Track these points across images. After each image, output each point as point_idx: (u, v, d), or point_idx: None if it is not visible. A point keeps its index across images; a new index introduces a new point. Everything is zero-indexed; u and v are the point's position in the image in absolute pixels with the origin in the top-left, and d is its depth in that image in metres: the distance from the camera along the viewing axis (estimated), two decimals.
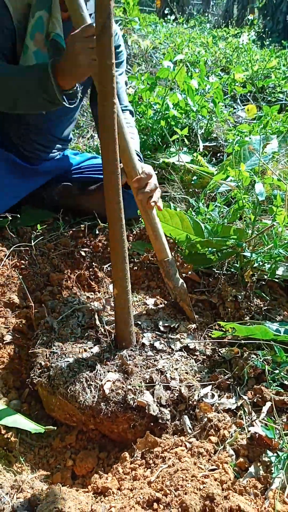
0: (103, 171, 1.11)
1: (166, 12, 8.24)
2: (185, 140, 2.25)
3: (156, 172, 2.19)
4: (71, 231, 1.66)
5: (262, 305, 1.42)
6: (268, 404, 1.00)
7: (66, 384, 1.13)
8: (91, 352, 1.22)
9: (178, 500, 0.84)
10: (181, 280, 1.43)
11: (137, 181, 1.32)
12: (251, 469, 0.94)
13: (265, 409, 1.00)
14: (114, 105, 1.09)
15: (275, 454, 0.94)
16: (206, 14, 11.29)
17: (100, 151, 1.16)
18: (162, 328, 1.35)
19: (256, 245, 1.49)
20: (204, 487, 0.86)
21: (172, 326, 1.35)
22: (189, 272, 1.59)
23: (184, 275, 1.61)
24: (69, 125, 1.84)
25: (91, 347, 1.25)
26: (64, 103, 1.33)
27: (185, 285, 1.43)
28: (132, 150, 1.33)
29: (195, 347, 1.30)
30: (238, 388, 1.13)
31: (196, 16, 9.90)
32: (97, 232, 1.69)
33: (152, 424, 1.09)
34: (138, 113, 2.37)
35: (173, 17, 6.46)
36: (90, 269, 1.58)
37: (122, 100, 1.66)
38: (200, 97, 2.40)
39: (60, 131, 1.79)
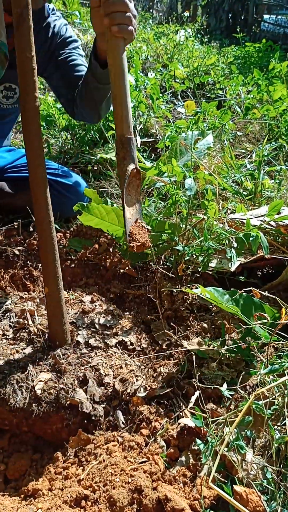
0: (28, 166, 1.09)
1: None
2: None
3: (95, 168, 2.18)
4: (3, 229, 1.61)
5: (196, 297, 1.45)
6: (196, 393, 1.03)
7: None
8: (24, 353, 1.20)
9: (106, 495, 0.84)
10: (131, 167, 1.14)
11: None
12: (181, 458, 0.96)
13: (193, 398, 1.02)
14: (36, 99, 1.06)
15: (204, 442, 0.97)
16: (151, 10, 11.34)
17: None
18: (97, 326, 1.34)
19: (190, 239, 1.52)
20: (132, 480, 0.86)
21: (108, 322, 1.35)
22: (127, 268, 1.59)
23: (122, 270, 1.62)
24: (8, 131, 1.83)
25: (24, 348, 1.22)
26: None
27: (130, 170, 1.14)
28: None
29: (130, 341, 1.30)
30: (171, 380, 1.15)
31: (141, 12, 9.93)
32: (31, 229, 1.66)
33: (85, 421, 1.09)
34: None
35: None
36: (25, 268, 1.55)
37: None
38: (138, 93, 2.40)
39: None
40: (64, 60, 1.66)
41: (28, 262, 1.57)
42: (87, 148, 2.28)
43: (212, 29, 10.62)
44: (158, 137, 2.46)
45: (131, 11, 1.12)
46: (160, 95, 2.70)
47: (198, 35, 6.62)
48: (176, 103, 3.41)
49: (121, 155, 1.15)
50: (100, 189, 1.93)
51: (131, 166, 1.14)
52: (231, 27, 10.29)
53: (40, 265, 1.58)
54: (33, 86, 1.04)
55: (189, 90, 3.61)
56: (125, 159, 1.14)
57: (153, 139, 2.44)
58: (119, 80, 1.13)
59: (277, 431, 0.93)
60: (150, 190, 1.89)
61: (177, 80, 3.50)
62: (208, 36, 6.13)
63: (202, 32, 5.85)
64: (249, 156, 2.33)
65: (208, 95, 3.64)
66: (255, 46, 5.74)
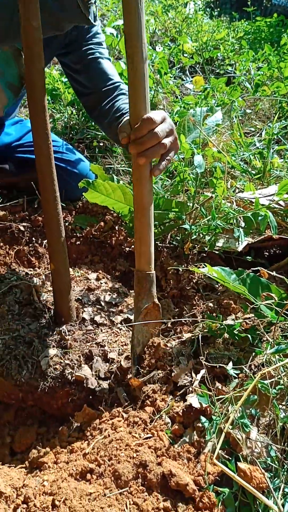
0: (33, 142, 1.06)
1: None
2: None
3: (101, 144, 2.15)
4: (8, 205, 1.60)
5: (202, 276, 1.44)
6: (202, 371, 1.03)
7: (2, 362, 1.10)
8: (29, 329, 1.20)
9: (111, 469, 0.85)
10: (145, 304, 1.09)
11: (134, 131, 0.97)
12: (186, 435, 0.97)
13: (199, 376, 1.02)
14: (43, 70, 1.03)
15: (208, 419, 0.97)
16: None
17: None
18: (103, 303, 1.34)
19: (197, 218, 1.50)
20: (137, 455, 0.87)
21: (114, 300, 1.35)
22: (132, 246, 1.58)
23: (127, 248, 1.61)
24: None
25: (29, 324, 1.22)
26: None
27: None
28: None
29: None
30: (177, 357, 1.15)
31: None
32: (36, 206, 1.64)
33: (90, 397, 1.10)
34: None
35: None
36: (30, 245, 1.54)
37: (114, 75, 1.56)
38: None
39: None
40: (87, 55, 1.52)
41: (33, 238, 1.56)
42: (93, 123, 2.24)
43: (222, 2, 10.29)
44: None
45: (163, 137, 0.98)
46: (168, 70, 2.63)
47: (208, 9, 6.42)
48: (184, 78, 3.33)
49: (136, 290, 1.10)
50: (106, 166, 1.90)
51: (145, 304, 1.09)
52: (241, 0, 9.98)
53: (45, 241, 1.57)
54: (40, 56, 1.00)
55: (197, 66, 3.52)
56: (140, 295, 1.09)
57: None
58: (141, 215, 1.03)
59: (282, 410, 0.93)
60: None
61: (185, 55, 3.41)
62: (218, 9, 5.94)
63: (212, 6, 5.67)
64: (258, 134, 2.28)
65: (217, 71, 3.55)
66: (266, 20, 5.57)
